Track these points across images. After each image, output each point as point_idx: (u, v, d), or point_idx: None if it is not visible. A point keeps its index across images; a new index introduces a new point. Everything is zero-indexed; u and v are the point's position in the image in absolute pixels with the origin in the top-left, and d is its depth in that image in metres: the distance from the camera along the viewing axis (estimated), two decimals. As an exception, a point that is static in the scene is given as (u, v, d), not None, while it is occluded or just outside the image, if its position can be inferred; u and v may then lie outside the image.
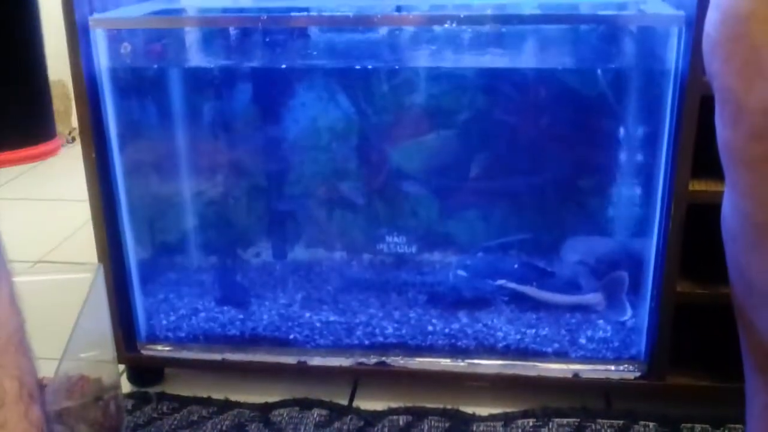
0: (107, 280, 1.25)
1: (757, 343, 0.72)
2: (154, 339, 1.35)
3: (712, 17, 0.66)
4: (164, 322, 1.36)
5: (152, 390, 1.34)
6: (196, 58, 1.28)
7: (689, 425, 1.21)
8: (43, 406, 0.60)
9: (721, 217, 0.73)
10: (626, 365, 1.24)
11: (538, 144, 1.32)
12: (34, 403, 0.59)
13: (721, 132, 0.67)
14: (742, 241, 0.70)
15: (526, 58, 1.20)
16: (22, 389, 0.58)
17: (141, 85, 1.29)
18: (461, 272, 1.34)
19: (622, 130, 1.25)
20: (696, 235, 1.10)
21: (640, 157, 1.23)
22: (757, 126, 0.62)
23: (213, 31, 1.25)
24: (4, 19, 0.56)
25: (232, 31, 1.24)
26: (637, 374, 1.23)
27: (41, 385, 0.61)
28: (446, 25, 1.15)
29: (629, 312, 1.27)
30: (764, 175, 0.64)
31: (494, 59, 1.20)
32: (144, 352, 1.34)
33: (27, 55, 0.59)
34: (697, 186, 1.09)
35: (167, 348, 1.34)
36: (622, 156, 1.26)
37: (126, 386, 1.35)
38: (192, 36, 1.25)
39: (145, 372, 1.37)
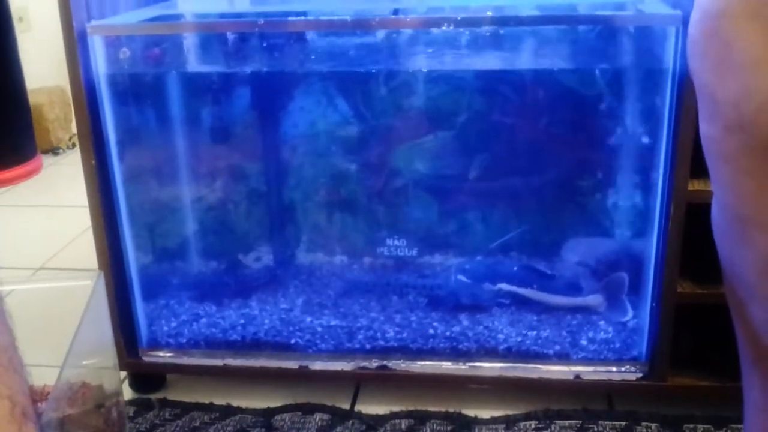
0: (108, 287, 1.25)
1: (750, 337, 0.73)
2: (155, 345, 1.35)
3: (693, 16, 0.68)
4: (165, 328, 1.36)
5: (154, 396, 1.34)
6: (194, 64, 1.28)
7: (691, 426, 1.20)
8: (38, 423, 0.60)
9: (711, 215, 0.74)
10: (628, 366, 1.24)
11: (537, 145, 1.32)
12: (28, 420, 0.59)
13: (701, 127, 0.69)
14: (728, 236, 0.71)
15: (525, 59, 1.20)
16: (14, 408, 0.58)
17: (140, 91, 1.29)
18: (461, 277, 1.34)
19: (620, 131, 1.25)
20: (696, 235, 1.10)
21: (639, 158, 1.23)
22: (730, 119, 0.64)
23: (211, 37, 1.25)
24: None
25: (230, 36, 1.24)
26: (639, 375, 1.23)
27: (37, 401, 0.61)
28: (444, 28, 1.15)
29: (630, 313, 1.27)
30: (741, 168, 0.65)
31: (492, 61, 1.20)
32: (145, 358, 1.34)
33: (4, 79, 0.59)
34: (697, 186, 1.09)
35: (169, 354, 1.34)
36: (621, 156, 1.26)
37: (128, 393, 1.35)
38: (190, 41, 1.25)
39: (146, 378, 1.37)
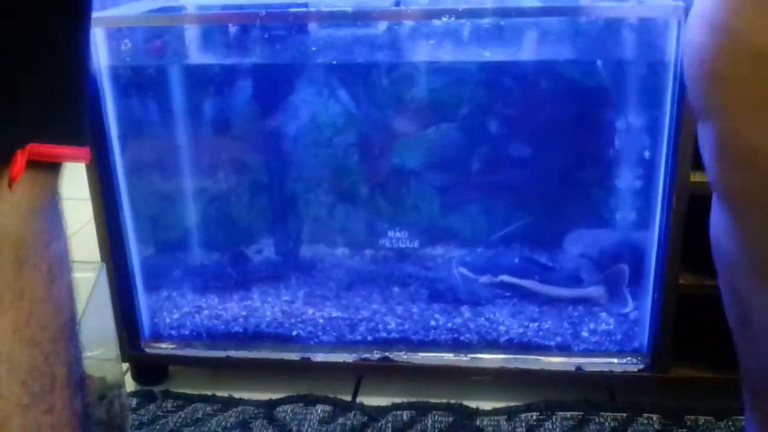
0: (110, 279, 1.26)
1: (745, 373, 0.72)
2: (157, 337, 1.35)
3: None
4: (168, 319, 1.36)
5: (156, 388, 1.35)
6: (196, 56, 1.28)
7: (692, 417, 1.21)
8: (84, 397, 0.62)
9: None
10: (629, 358, 1.24)
11: (538, 137, 1.32)
12: (78, 392, 0.61)
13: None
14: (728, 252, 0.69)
15: (526, 50, 1.19)
16: (70, 378, 0.60)
17: (141, 83, 1.29)
18: (463, 269, 1.34)
19: (622, 122, 1.25)
20: (698, 227, 1.10)
21: (640, 149, 1.23)
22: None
23: (212, 28, 1.25)
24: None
25: (232, 27, 1.24)
26: (640, 367, 1.23)
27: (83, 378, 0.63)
28: (445, 19, 1.15)
29: (630, 304, 1.27)
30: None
31: (494, 52, 1.20)
32: (148, 350, 1.34)
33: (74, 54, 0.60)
34: (699, 177, 1.08)
35: (171, 346, 1.35)
36: (623, 148, 1.26)
37: (130, 384, 1.36)
38: (192, 33, 1.25)
39: (149, 370, 1.37)
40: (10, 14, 0.53)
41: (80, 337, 0.63)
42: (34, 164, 0.56)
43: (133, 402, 1.30)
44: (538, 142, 1.32)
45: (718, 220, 0.68)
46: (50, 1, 0.56)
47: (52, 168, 0.59)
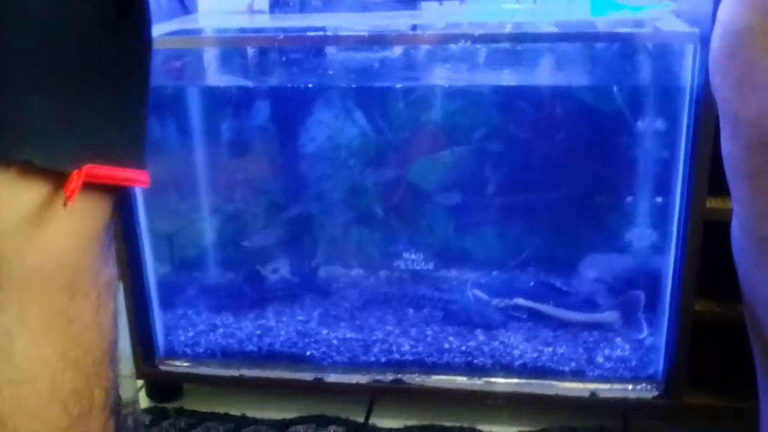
0: (126, 296, 1.27)
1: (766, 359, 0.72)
2: (172, 354, 1.36)
3: (715, 33, 0.67)
4: (182, 337, 1.37)
5: (170, 405, 1.35)
6: (214, 78, 1.29)
7: (708, 445, 1.20)
8: (117, 421, 0.62)
9: (731, 233, 0.73)
10: (644, 384, 1.23)
11: (554, 161, 1.32)
12: (112, 415, 0.62)
13: (724, 145, 0.68)
14: (748, 256, 0.70)
15: (542, 75, 1.20)
16: (107, 401, 0.61)
17: (160, 104, 1.31)
18: (477, 291, 1.34)
19: (638, 148, 1.25)
20: (714, 253, 1.09)
21: (656, 175, 1.22)
22: (752, 138, 0.63)
23: (231, 51, 1.27)
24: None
25: (250, 50, 1.25)
26: (655, 393, 1.22)
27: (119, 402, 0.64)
28: (461, 44, 1.15)
29: (646, 330, 1.26)
30: (762, 186, 0.64)
31: (510, 77, 1.20)
32: (162, 367, 1.35)
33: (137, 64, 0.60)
34: (714, 203, 1.08)
35: (185, 363, 1.35)
36: (639, 173, 1.26)
37: (144, 401, 1.36)
38: (210, 55, 1.27)
39: (163, 387, 1.38)
40: (74, 33, 0.53)
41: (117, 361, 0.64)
42: (92, 187, 0.55)
43: (147, 419, 1.30)
44: (553, 165, 1.32)
45: (733, 214, 0.72)
46: (116, 20, 0.56)
47: (110, 191, 0.58)
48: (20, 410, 0.56)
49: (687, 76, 1.07)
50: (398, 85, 1.30)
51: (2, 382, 0.55)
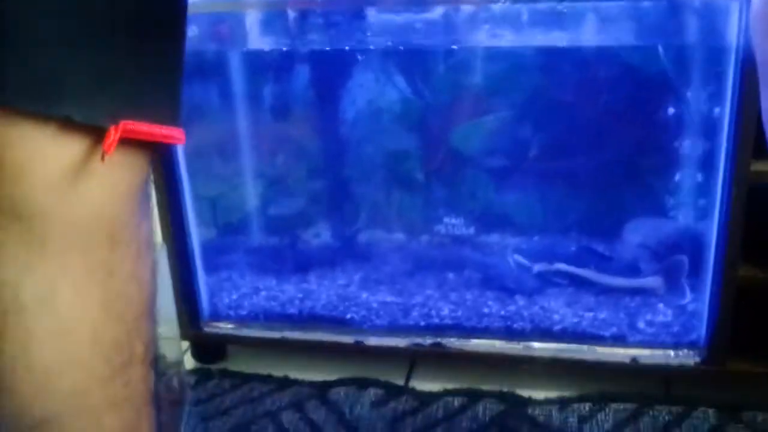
0: (171, 259, 1.29)
1: None
2: (216, 317, 1.39)
3: None
4: (226, 300, 1.39)
5: (214, 367, 1.38)
6: (255, 41, 1.30)
7: (750, 413, 1.17)
8: (157, 375, 0.64)
9: None
10: (686, 350, 1.21)
11: (597, 124, 1.30)
12: (152, 369, 0.63)
13: (763, 104, 0.66)
14: None
15: (585, 35, 1.17)
16: (147, 354, 0.62)
17: (202, 68, 1.32)
18: (518, 257, 1.33)
19: (682, 110, 1.22)
20: (758, 218, 1.07)
21: (700, 138, 1.19)
22: None
23: (272, 14, 1.27)
24: None
25: (291, 13, 1.25)
26: (697, 360, 1.20)
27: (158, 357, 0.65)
28: (503, 4, 1.13)
29: (689, 296, 1.24)
30: None
31: (552, 37, 1.18)
32: (207, 329, 1.38)
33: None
34: (760, 167, 1.05)
35: (229, 326, 1.38)
36: (683, 136, 1.23)
37: (189, 362, 1.40)
38: (251, 19, 1.27)
39: (207, 349, 1.41)
40: None
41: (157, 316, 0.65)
42: (130, 143, 0.56)
43: (192, 380, 1.33)
44: (596, 129, 1.30)
45: None
46: None
47: (147, 147, 0.59)
48: (64, 360, 0.57)
49: (733, 35, 1.04)
50: (439, 47, 1.29)
51: (46, 333, 0.57)
